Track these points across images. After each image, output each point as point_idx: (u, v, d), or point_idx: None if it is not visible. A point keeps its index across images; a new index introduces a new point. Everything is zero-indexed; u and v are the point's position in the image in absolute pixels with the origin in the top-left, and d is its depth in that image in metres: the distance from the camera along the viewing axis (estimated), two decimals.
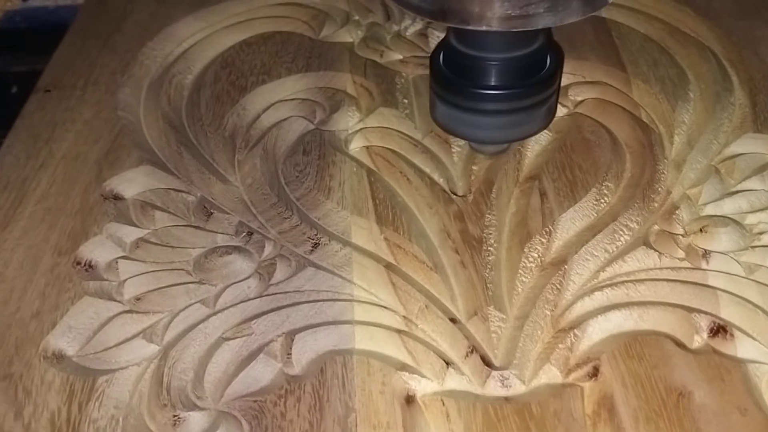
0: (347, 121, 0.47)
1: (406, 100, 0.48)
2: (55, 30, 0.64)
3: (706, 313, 0.34)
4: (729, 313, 0.34)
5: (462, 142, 0.45)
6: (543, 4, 0.34)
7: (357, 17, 0.56)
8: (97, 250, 0.38)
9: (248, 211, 0.41)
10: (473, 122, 0.41)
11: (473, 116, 0.40)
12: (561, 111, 0.47)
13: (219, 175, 0.43)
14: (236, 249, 0.38)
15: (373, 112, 0.47)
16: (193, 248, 0.38)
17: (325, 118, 0.47)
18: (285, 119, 0.47)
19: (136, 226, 0.40)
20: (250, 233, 0.39)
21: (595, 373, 0.32)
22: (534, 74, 0.40)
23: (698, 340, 0.33)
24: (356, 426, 0.30)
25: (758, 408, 0.30)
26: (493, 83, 0.39)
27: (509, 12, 0.34)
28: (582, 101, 0.48)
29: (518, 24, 0.34)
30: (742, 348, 0.32)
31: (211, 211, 0.40)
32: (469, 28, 0.35)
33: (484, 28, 0.35)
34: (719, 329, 0.33)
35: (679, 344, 0.33)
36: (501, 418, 0.30)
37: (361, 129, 0.46)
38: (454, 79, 0.40)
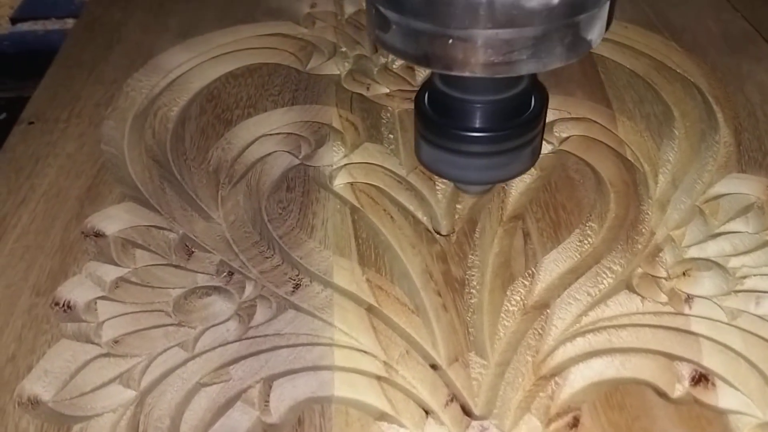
0: (332, 156, 0.47)
1: (391, 135, 0.48)
2: (43, 55, 0.64)
3: (688, 360, 0.34)
4: (711, 361, 0.34)
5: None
6: (526, 51, 0.34)
7: (344, 49, 0.56)
8: (76, 290, 0.38)
9: (230, 249, 0.40)
10: (458, 163, 0.41)
11: (458, 157, 0.41)
12: (546, 148, 0.47)
13: (202, 212, 0.43)
14: (216, 290, 0.38)
15: (358, 147, 0.47)
16: (173, 288, 0.38)
17: (310, 153, 0.47)
18: (269, 154, 0.47)
19: (116, 264, 0.39)
20: (231, 273, 0.39)
21: (575, 423, 0.31)
22: (519, 116, 0.40)
23: (680, 389, 0.33)
24: None
25: None
26: (477, 125, 0.40)
27: (492, 59, 0.34)
28: (567, 138, 0.48)
29: (501, 70, 0.34)
30: (723, 398, 0.32)
31: (193, 249, 0.40)
32: (453, 74, 0.35)
33: (467, 74, 0.35)
34: (701, 378, 0.33)
35: (661, 393, 0.32)
36: None
37: (345, 165, 0.46)
38: (439, 120, 0.40)
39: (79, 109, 0.51)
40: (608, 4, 0.35)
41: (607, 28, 0.37)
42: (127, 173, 0.46)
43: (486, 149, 0.40)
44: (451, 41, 0.34)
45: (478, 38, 0.33)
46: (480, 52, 0.34)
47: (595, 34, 0.36)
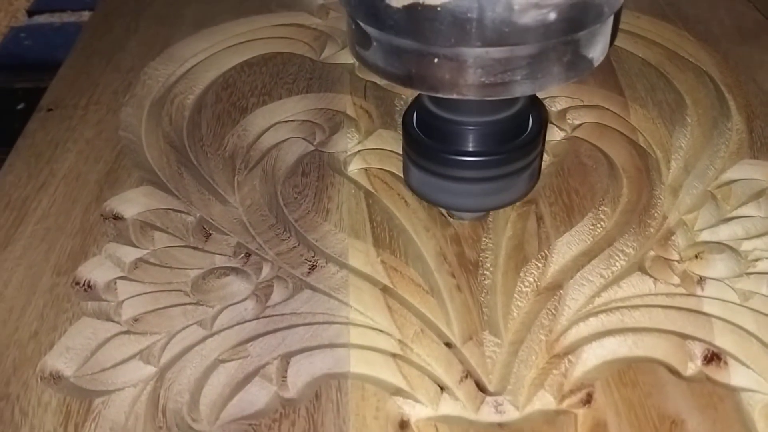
0: (346, 142, 0.47)
1: None
2: (60, 47, 0.65)
3: (700, 340, 0.34)
4: (723, 340, 0.34)
5: None
6: (520, 71, 0.31)
7: None
8: (96, 271, 0.38)
9: (246, 232, 0.41)
10: (449, 189, 0.38)
11: (449, 183, 0.38)
12: (559, 134, 0.47)
13: (218, 196, 0.43)
14: (234, 270, 0.38)
15: (372, 133, 0.48)
16: (192, 269, 0.39)
17: (325, 139, 0.48)
18: (285, 140, 0.47)
19: (135, 246, 0.40)
20: (248, 255, 0.39)
21: (588, 399, 0.32)
22: (515, 138, 0.38)
23: (692, 368, 0.33)
24: None
25: None
26: (470, 149, 0.37)
27: (483, 80, 0.31)
28: (580, 125, 0.48)
29: (493, 92, 0.31)
30: (735, 376, 0.33)
31: (210, 232, 0.41)
32: (439, 96, 0.33)
33: (455, 96, 0.32)
34: (713, 357, 0.33)
35: (673, 371, 0.33)
36: None
37: (360, 150, 0.46)
38: (428, 144, 0.38)
39: (97, 96, 0.51)
40: (611, 19, 0.33)
41: (611, 45, 0.34)
42: (144, 158, 0.46)
43: (479, 175, 0.37)
44: (436, 60, 0.31)
45: (467, 57, 0.30)
46: (469, 72, 0.31)
47: (597, 51, 0.33)
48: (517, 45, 0.30)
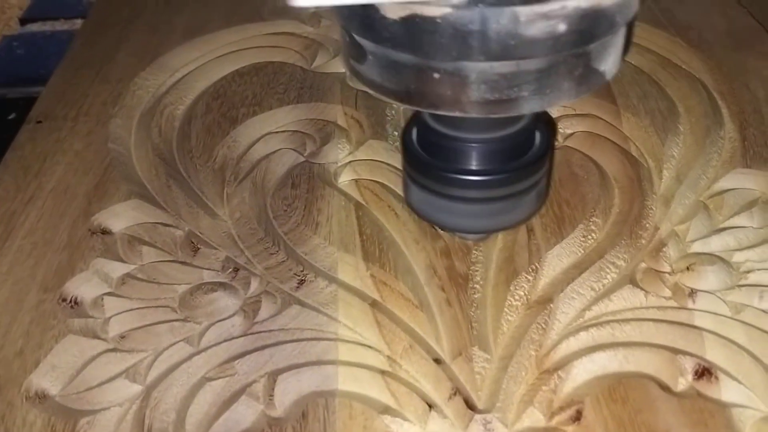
0: (337, 153, 0.47)
1: (396, 133, 0.49)
2: (52, 55, 0.64)
3: (691, 354, 0.34)
4: (714, 354, 0.34)
5: None
6: (528, 86, 0.29)
7: None
8: (83, 287, 0.38)
9: (235, 246, 0.41)
10: (451, 209, 0.36)
11: (450, 203, 0.36)
12: None
13: (207, 209, 0.43)
14: (222, 285, 0.38)
15: (363, 144, 0.47)
16: (179, 284, 0.38)
17: (315, 150, 0.47)
18: (275, 152, 0.47)
19: (123, 261, 0.40)
20: (237, 269, 0.39)
21: (578, 417, 0.32)
22: (520, 156, 0.36)
23: (683, 383, 0.33)
24: None
25: None
26: (473, 167, 0.35)
27: (487, 96, 0.29)
28: (571, 134, 0.48)
29: (498, 109, 0.29)
30: (726, 391, 0.32)
31: (198, 246, 0.40)
32: (440, 113, 0.31)
33: (457, 113, 0.30)
34: (704, 371, 0.33)
35: (664, 387, 0.32)
36: None
37: (350, 162, 0.46)
38: (429, 161, 0.36)
39: (86, 108, 0.51)
40: (623, 30, 0.30)
41: (624, 56, 0.32)
42: (133, 171, 0.46)
43: (483, 194, 0.36)
44: (437, 75, 0.29)
45: (470, 72, 0.28)
46: (472, 88, 0.29)
47: (609, 64, 0.30)
48: (524, 59, 0.28)
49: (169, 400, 0.33)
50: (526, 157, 0.36)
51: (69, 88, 0.53)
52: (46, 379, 0.34)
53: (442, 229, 0.40)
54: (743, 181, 0.43)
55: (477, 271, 0.39)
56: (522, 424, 0.32)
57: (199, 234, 0.41)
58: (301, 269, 0.39)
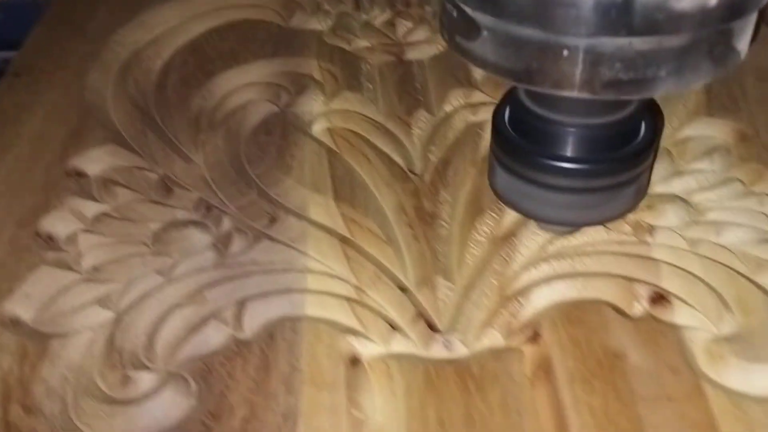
0: (311, 104, 0.48)
1: (370, 85, 0.49)
2: (32, 22, 0.64)
3: (648, 283, 0.35)
4: (670, 283, 0.35)
5: (423, 124, 0.46)
6: (666, 66, 0.26)
7: (327, 7, 0.57)
8: (58, 224, 0.39)
9: (208, 187, 0.41)
10: (540, 198, 0.34)
11: (542, 191, 0.33)
12: None
13: (182, 155, 0.44)
14: (194, 223, 0.39)
15: (337, 95, 0.48)
16: (153, 222, 0.39)
17: (290, 101, 0.48)
18: (250, 102, 0.48)
19: (97, 201, 0.40)
20: (209, 208, 0.40)
21: (535, 337, 0.33)
22: (623, 145, 0.33)
23: (638, 308, 0.34)
24: (301, 385, 0.31)
25: (689, 368, 0.31)
26: (569, 154, 0.32)
27: (621, 76, 0.26)
28: None
29: (631, 90, 0.27)
30: (679, 315, 0.33)
31: (172, 187, 0.41)
32: (565, 94, 0.28)
33: (585, 95, 0.27)
34: (659, 298, 0.34)
35: (619, 311, 0.34)
36: (442, 377, 0.31)
37: (324, 112, 0.47)
38: (521, 144, 0.33)
39: (64, 62, 0.52)
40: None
41: (753, 38, 0.29)
42: (109, 120, 0.47)
43: (577, 185, 0.33)
44: (566, 53, 0.26)
45: (606, 49, 0.26)
46: (605, 67, 0.26)
47: (744, 43, 0.28)
48: (668, 35, 0.25)
49: (139, 325, 0.34)
50: (628, 148, 0.33)
51: (47, 44, 0.54)
52: (20, 306, 0.35)
53: (528, 218, 0.37)
54: (706, 129, 0.45)
55: (444, 210, 0.40)
56: (481, 344, 0.33)
57: (173, 177, 0.42)
58: (273, 208, 0.40)
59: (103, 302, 0.35)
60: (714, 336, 0.33)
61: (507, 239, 0.38)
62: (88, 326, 0.34)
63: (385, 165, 0.43)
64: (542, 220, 0.36)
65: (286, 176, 0.42)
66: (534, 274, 0.36)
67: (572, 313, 0.34)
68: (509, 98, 0.34)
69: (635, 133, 0.33)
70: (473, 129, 0.46)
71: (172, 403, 0.30)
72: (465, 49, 0.29)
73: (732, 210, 0.38)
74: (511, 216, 0.39)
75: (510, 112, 0.34)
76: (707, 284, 0.35)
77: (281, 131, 0.46)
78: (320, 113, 0.47)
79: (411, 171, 0.43)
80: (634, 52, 0.26)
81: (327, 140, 0.45)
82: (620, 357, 0.31)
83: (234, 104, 0.48)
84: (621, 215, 0.35)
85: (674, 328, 0.33)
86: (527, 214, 0.36)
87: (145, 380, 0.31)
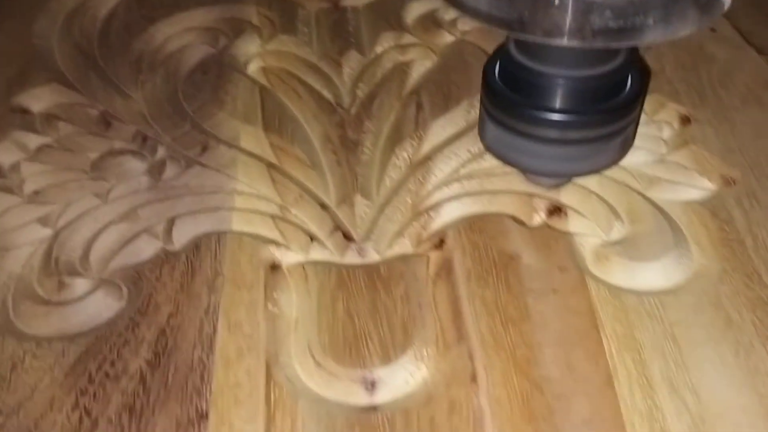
0: (248, 46, 0.50)
1: (306, 29, 0.52)
2: None
3: (547, 198, 0.38)
4: (568, 197, 0.38)
5: (354, 64, 0.49)
6: (654, 13, 0.27)
7: None
8: (2, 154, 0.41)
9: (145, 121, 0.44)
10: (530, 150, 0.34)
11: (530, 143, 0.34)
12: (448, 38, 0.51)
13: (121, 93, 0.46)
14: (131, 152, 0.42)
15: (273, 39, 0.51)
16: (91, 152, 0.42)
17: (228, 44, 0.50)
18: (189, 45, 0.50)
19: (40, 134, 0.43)
20: (145, 139, 0.42)
21: (440, 244, 0.36)
22: (611, 97, 0.33)
23: (536, 219, 0.37)
24: (222, 286, 0.34)
25: (577, 267, 0.34)
26: (558, 105, 0.33)
27: (610, 24, 0.27)
28: (469, 30, 0.52)
29: (619, 39, 0.28)
30: (573, 224, 0.37)
31: (111, 122, 0.44)
32: (556, 43, 0.28)
33: (574, 44, 0.28)
34: (556, 210, 0.37)
35: (518, 221, 0.37)
36: (352, 277, 0.34)
37: (260, 53, 0.49)
38: (511, 97, 0.34)
39: (10, 10, 0.53)
40: None
41: None
42: (54, 62, 0.49)
43: (566, 136, 0.33)
44: (557, 2, 0.27)
45: None
46: (595, 15, 0.27)
47: None
48: None
49: (76, 240, 0.36)
50: (615, 100, 0.34)
51: None
52: None
53: (517, 169, 0.37)
54: None
55: (368, 138, 0.43)
56: (392, 251, 0.36)
57: (112, 112, 0.45)
58: (205, 138, 0.43)
59: (42, 221, 0.37)
60: (602, 241, 0.36)
61: (423, 163, 0.41)
62: (28, 242, 0.36)
63: (314, 100, 0.46)
64: (532, 172, 0.36)
65: (220, 110, 0.45)
66: (446, 192, 0.39)
67: (476, 223, 0.37)
68: (499, 52, 0.35)
69: (623, 85, 0.34)
70: (401, 67, 0.48)
71: (104, 305, 0.33)
72: (458, 0, 0.30)
73: None
74: (429, 144, 0.42)
75: (500, 66, 0.35)
76: (602, 198, 0.38)
77: (217, 71, 0.48)
78: (256, 54, 0.49)
79: (339, 105, 0.45)
80: (623, 0, 0.27)
81: (261, 78, 0.48)
82: (514, 258, 0.35)
83: (173, 47, 0.50)
84: (608, 166, 0.36)
85: (567, 235, 0.36)
86: (517, 167, 0.36)
87: (79, 286, 0.34)
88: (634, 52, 0.34)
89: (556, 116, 0.33)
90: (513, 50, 0.34)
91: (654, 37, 0.28)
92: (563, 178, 0.36)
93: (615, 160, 0.36)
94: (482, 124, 0.36)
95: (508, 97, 0.34)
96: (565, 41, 0.28)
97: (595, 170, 0.36)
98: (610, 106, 0.33)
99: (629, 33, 0.28)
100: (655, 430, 0.28)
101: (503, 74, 0.34)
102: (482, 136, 0.37)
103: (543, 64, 0.32)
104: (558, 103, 0.33)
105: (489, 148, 0.37)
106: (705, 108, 0.43)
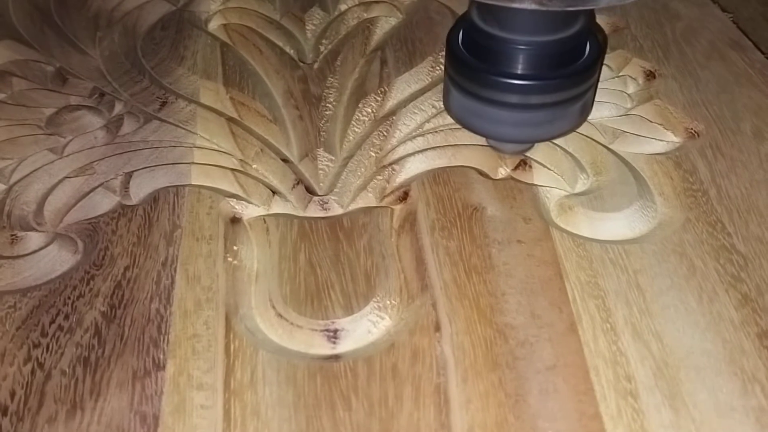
0: (209, 3, 0.49)
1: None
2: None
3: None
4: (533, 151, 0.38)
5: (317, 21, 0.48)
6: None
7: None
8: None
9: (103, 78, 0.43)
10: (492, 116, 0.34)
11: (493, 109, 0.34)
12: None
13: (78, 49, 0.45)
14: (87, 108, 0.40)
15: None
16: (47, 108, 0.40)
17: (188, 1, 0.49)
18: (148, 2, 0.49)
19: None
20: (102, 95, 0.41)
21: (404, 197, 0.35)
22: (569, 63, 0.34)
23: (501, 172, 0.37)
24: (181, 238, 0.33)
25: (541, 218, 0.34)
26: (519, 71, 0.33)
27: None
28: None
29: (576, 2, 0.29)
30: (538, 177, 0.36)
31: (67, 77, 0.42)
32: (516, 6, 0.29)
33: (534, 6, 0.28)
34: (521, 163, 0.37)
35: (483, 174, 0.36)
36: (314, 230, 0.34)
37: (221, 9, 0.48)
38: (473, 64, 0.34)
39: None
40: None
41: None
42: (9, 19, 0.47)
43: (527, 101, 0.34)
44: None
45: None
46: None
47: None
48: None
49: (30, 194, 0.35)
50: (574, 65, 0.34)
51: None
52: None
53: (479, 135, 0.37)
54: None
55: (331, 94, 0.42)
56: (356, 205, 0.35)
57: (68, 69, 0.43)
58: (164, 94, 0.42)
59: None
60: (567, 194, 0.35)
61: (387, 118, 0.40)
62: None
63: (276, 56, 0.45)
64: (495, 138, 0.37)
65: (179, 66, 0.44)
66: (410, 146, 0.38)
67: (440, 176, 0.36)
68: (463, 21, 0.35)
69: (581, 50, 0.35)
70: (365, 24, 0.48)
71: (58, 259, 0.32)
72: None
73: (599, 90, 0.41)
74: (393, 99, 0.42)
75: (463, 33, 0.35)
76: (566, 151, 0.38)
77: (177, 27, 0.47)
78: (216, 11, 0.48)
79: (302, 61, 0.45)
80: None
81: (221, 35, 0.46)
82: (479, 209, 0.34)
83: (132, 5, 0.49)
84: (568, 132, 0.36)
85: (532, 187, 0.36)
86: (482, 133, 0.37)
87: (33, 240, 0.33)
88: (591, 17, 0.35)
89: (518, 81, 0.33)
90: (476, 17, 0.34)
91: (610, 1, 0.29)
92: (525, 144, 0.37)
93: (574, 126, 0.36)
94: (447, 92, 0.37)
95: (471, 64, 0.34)
96: (524, 4, 0.29)
97: (555, 136, 0.36)
98: (570, 71, 0.34)
99: None
100: (618, 374, 0.28)
101: (466, 42, 0.35)
102: (447, 104, 0.37)
103: (505, 30, 0.33)
104: (519, 69, 0.33)
105: (454, 117, 0.37)
106: (669, 64, 0.43)
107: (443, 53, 0.43)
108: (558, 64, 0.33)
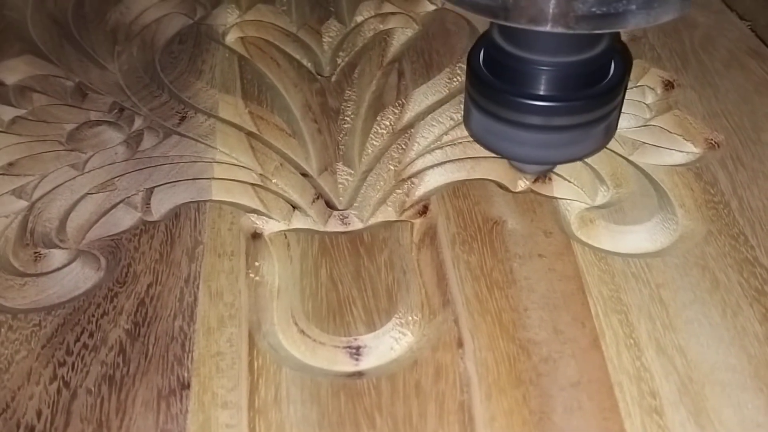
0: (226, 16, 0.49)
1: None
2: None
3: None
4: None
5: (334, 33, 0.48)
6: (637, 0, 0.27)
7: None
8: None
9: (122, 92, 0.43)
10: (514, 137, 0.34)
11: (515, 130, 0.34)
12: (429, 7, 0.50)
13: (98, 64, 0.45)
14: (107, 123, 0.41)
15: (251, 8, 0.50)
16: (67, 123, 0.41)
17: (205, 14, 0.50)
18: (166, 15, 0.49)
19: (14, 106, 0.42)
20: (122, 110, 0.42)
21: (424, 210, 0.35)
22: (593, 84, 0.33)
23: (521, 185, 0.37)
24: (203, 255, 0.33)
25: (562, 231, 0.34)
26: (542, 92, 0.32)
27: (594, 9, 0.27)
28: None
29: (602, 25, 0.28)
30: (558, 190, 0.36)
31: (87, 93, 0.43)
32: (540, 29, 0.28)
33: (558, 30, 0.28)
34: (540, 175, 0.37)
35: (503, 187, 0.36)
36: (335, 244, 0.34)
37: (238, 23, 0.49)
38: (495, 84, 0.33)
39: None
40: None
41: None
42: (28, 33, 0.48)
43: (549, 122, 0.33)
44: None
45: None
46: (578, 1, 0.27)
47: None
48: None
49: (52, 211, 0.36)
50: (598, 87, 0.33)
51: None
52: None
53: (502, 156, 0.37)
54: None
55: (349, 107, 0.42)
56: (376, 219, 0.35)
57: (88, 84, 0.44)
58: (183, 108, 0.42)
59: (17, 193, 0.36)
60: (587, 206, 0.35)
61: (405, 131, 0.40)
62: (3, 214, 0.35)
63: (294, 69, 0.45)
64: (517, 160, 0.36)
65: (198, 80, 0.44)
66: (429, 159, 0.38)
67: (459, 189, 0.36)
68: (484, 40, 0.34)
69: (606, 71, 0.34)
70: (381, 36, 0.48)
71: (81, 276, 0.33)
72: None
73: None
74: (411, 112, 0.42)
75: (485, 53, 0.34)
76: (586, 163, 0.38)
77: (195, 41, 0.47)
78: (234, 24, 0.48)
79: (319, 74, 0.45)
80: None
81: (239, 48, 0.47)
82: (499, 223, 0.34)
83: (150, 18, 0.49)
84: (592, 153, 0.35)
85: (552, 200, 0.36)
86: (503, 154, 0.36)
87: (56, 257, 0.33)
88: (616, 37, 0.34)
89: (541, 102, 0.32)
90: (497, 37, 0.33)
91: (636, 23, 0.28)
92: (547, 165, 0.36)
93: (598, 148, 0.35)
94: (467, 111, 0.36)
95: (493, 84, 0.33)
96: (549, 27, 0.28)
97: (578, 158, 0.36)
98: (594, 92, 0.33)
99: (612, 19, 0.28)
100: (643, 390, 0.28)
101: (488, 61, 0.34)
102: (467, 123, 0.36)
103: (528, 50, 0.32)
104: (542, 90, 0.32)
105: (474, 136, 0.36)
106: (688, 73, 0.43)
107: (460, 65, 0.43)
108: (582, 85, 0.33)
